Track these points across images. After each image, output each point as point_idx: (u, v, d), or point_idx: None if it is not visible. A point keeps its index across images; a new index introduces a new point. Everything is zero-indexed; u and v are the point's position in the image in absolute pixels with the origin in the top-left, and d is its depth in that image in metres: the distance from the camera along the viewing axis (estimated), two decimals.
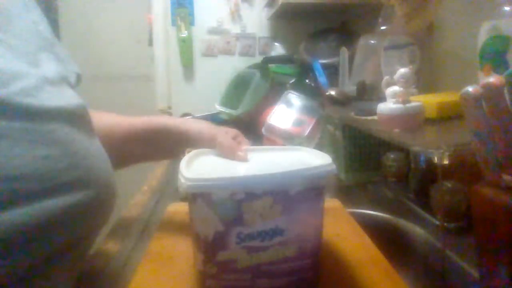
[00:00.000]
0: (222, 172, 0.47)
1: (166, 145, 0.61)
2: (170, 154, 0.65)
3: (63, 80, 0.42)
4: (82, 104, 0.43)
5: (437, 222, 0.67)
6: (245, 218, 0.38)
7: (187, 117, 1.39)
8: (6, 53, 0.37)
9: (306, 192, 0.39)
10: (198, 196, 0.38)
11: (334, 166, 0.41)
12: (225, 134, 0.56)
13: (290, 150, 0.55)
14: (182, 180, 0.38)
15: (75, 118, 0.40)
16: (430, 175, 0.76)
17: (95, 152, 0.43)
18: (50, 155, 0.35)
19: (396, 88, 0.62)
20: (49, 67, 0.41)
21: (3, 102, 0.33)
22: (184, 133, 0.59)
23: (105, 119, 0.59)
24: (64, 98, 0.40)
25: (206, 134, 0.57)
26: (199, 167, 0.46)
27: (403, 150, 0.86)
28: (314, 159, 0.47)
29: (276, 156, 0.53)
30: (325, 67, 1.25)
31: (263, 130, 1.13)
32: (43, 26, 0.45)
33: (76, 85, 0.46)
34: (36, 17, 0.44)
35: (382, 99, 0.66)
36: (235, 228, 0.38)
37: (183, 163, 0.43)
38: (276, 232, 0.39)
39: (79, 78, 0.48)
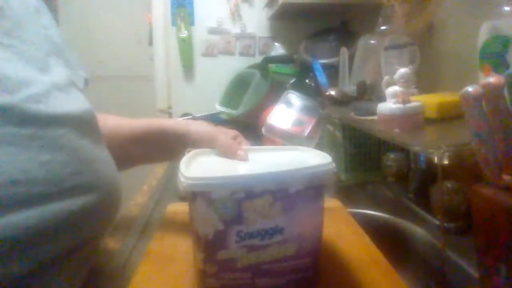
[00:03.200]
0: (222, 171, 0.47)
1: (166, 147, 0.61)
2: (170, 155, 0.65)
3: (71, 84, 0.43)
4: (89, 109, 0.43)
5: (437, 222, 0.67)
6: (245, 217, 0.38)
7: (187, 117, 1.39)
8: (15, 59, 0.37)
9: (305, 191, 0.39)
10: (198, 194, 0.38)
11: (333, 165, 0.41)
12: (225, 134, 0.56)
13: (290, 150, 0.55)
14: (182, 179, 0.38)
15: (82, 123, 0.41)
16: (430, 175, 0.76)
17: (101, 157, 0.43)
18: (56, 161, 0.36)
19: (396, 88, 0.62)
20: (58, 72, 0.42)
21: (11, 109, 0.33)
22: (184, 134, 0.59)
23: (108, 122, 0.59)
24: (72, 103, 0.41)
25: (206, 135, 0.57)
26: (199, 167, 0.46)
27: (403, 150, 0.86)
28: (313, 159, 0.47)
29: (276, 155, 0.54)
30: (325, 67, 1.25)
31: (263, 130, 1.13)
32: (53, 31, 0.45)
33: (83, 89, 0.47)
34: (46, 22, 0.45)
35: (382, 99, 0.66)
36: (235, 227, 0.38)
37: (183, 163, 0.43)
38: (276, 231, 0.39)
39: (86, 82, 0.49)
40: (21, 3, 0.42)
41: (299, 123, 1.11)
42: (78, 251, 0.39)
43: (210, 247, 0.39)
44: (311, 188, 0.40)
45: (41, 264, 0.34)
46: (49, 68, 0.41)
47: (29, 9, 0.43)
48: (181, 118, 1.38)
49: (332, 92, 1.00)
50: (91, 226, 0.40)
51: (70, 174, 0.36)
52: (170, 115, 1.65)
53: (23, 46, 0.39)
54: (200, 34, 1.63)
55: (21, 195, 0.32)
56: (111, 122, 0.60)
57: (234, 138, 0.58)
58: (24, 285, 0.33)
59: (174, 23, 1.62)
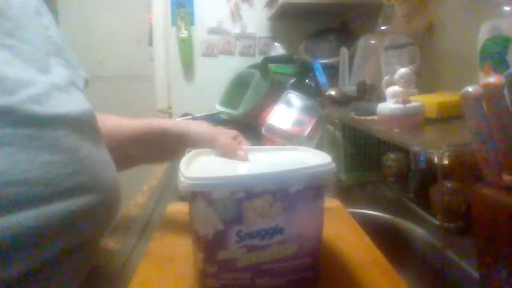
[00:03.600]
0: (222, 171, 0.47)
1: (166, 147, 0.61)
2: (170, 155, 0.65)
3: (71, 84, 0.43)
4: (89, 110, 0.43)
5: (437, 222, 0.67)
6: (245, 217, 0.38)
7: (187, 117, 1.39)
8: (15, 59, 0.37)
9: (305, 191, 0.39)
10: (198, 194, 0.38)
11: (333, 165, 0.41)
12: (225, 134, 0.56)
13: (290, 149, 0.55)
14: (182, 179, 0.38)
15: (82, 124, 0.41)
16: (430, 175, 0.76)
17: (101, 158, 0.43)
18: (56, 161, 0.36)
19: (396, 88, 0.62)
20: (58, 72, 0.42)
21: (10, 110, 0.33)
22: (184, 134, 0.59)
23: (108, 122, 0.59)
24: (72, 103, 0.41)
25: (206, 135, 0.57)
26: (199, 167, 0.46)
27: (403, 150, 0.86)
28: (313, 158, 0.47)
29: (276, 155, 0.54)
30: (325, 67, 1.25)
31: (263, 130, 1.13)
32: (54, 31, 0.45)
33: (83, 90, 0.47)
34: (47, 22, 0.45)
35: (382, 99, 0.66)
36: (235, 227, 0.38)
37: (183, 163, 0.43)
38: (276, 231, 0.39)
39: (86, 83, 0.49)
40: (21, 4, 0.42)
41: (299, 123, 1.11)
42: (78, 251, 0.39)
43: (210, 247, 0.39)
44: (311, 188, 0.40)
45: (41, 264, 0.34)
46: (49, 69, 0.41)
47: (29, 10, 0.43)
48: (181, 118, 1.38)
49: (332, 92, 1.00)
50: (91, 226, 0.40)
51: (70, 175, 0.36)
52: (170, 115, 1.66)
53: (23, 46, 0.39)
54: (200, 34, 1.64)
55: (20, 196, 0.32)
56: (111, 122, 0.60)
57: (234, 138, 0.58)
58: (24, 285, 0.33)
59: (174, 23, 1.62)
